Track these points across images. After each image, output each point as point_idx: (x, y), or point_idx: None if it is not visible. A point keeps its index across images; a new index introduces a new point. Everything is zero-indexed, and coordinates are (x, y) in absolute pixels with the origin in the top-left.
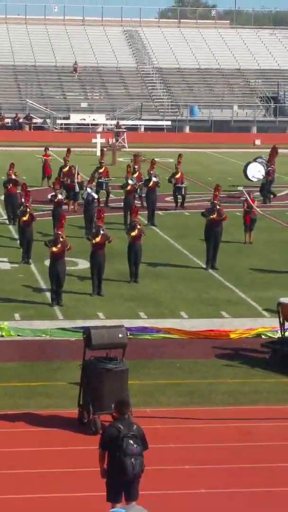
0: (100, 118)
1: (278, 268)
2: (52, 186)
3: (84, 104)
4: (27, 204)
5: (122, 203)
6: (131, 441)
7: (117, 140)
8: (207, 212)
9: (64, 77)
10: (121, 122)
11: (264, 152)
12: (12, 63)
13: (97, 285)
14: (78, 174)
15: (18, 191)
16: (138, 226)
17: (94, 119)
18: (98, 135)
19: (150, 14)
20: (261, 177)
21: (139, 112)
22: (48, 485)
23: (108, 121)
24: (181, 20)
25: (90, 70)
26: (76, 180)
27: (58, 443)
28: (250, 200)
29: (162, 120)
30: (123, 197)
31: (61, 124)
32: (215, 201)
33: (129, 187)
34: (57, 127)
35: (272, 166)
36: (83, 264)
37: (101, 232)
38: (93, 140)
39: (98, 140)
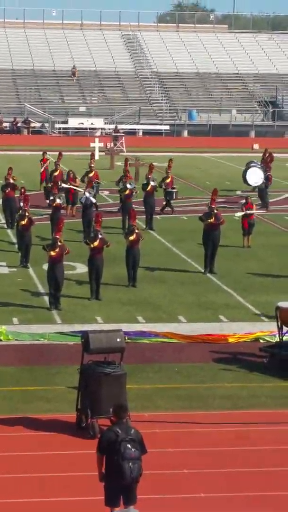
0: (98, 122)
1: (276, 272)
2: (46, 189)
3: (82, 108)
4: (26, 208)
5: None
6: (129, 445)
7: (115, 145)
8: (205, 216)
9: (63, 81)
10: (120, 126)
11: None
12: (10, 67)
13: (95, 289)
14: (75, 178)
15: (16, 195)
16: (136, 231)
17: (92, 123)
18: (96, 139)
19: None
20: (261, 182)
21: (138, 116)
22: (46, 489)
23: (107, 125)
24: (180, 25)
25: (89, 74)
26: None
27: (57, 447)
28: (248, 205)
29: (160, 124)
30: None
31: (59, 128)
32: (213, 205)
33: (127, 191)
34: (55, 131)
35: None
36: (81, 268)
37: (99, 236)
38: (91, 144)
39: (96, 144)
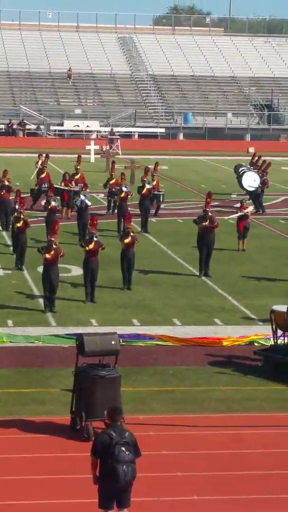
0: (94, 125)
1: (271, 276)
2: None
3: (78, 111)
4: (21, 211)
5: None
6: (123, 448)
7: (111, 147)
8: (199, 219)
9: (58, 84)
10: (115, 129)
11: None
12: (6, 69)
13: (90, 292)
14: (72, 181)
15: (11, 198)
16: (132, 233)
17: (88, 126)
18: (92, 142)
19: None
20: (257, 186)
21: (133, 119)
22: (40, 492)
23: (102, 128)
24: (176, 27)
25: (84, 77)
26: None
27: (51, 450)
28: (243, 208)
29: (156, 127)
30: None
31: (55, 130)
32: (207, 208)
33: (123, 194)
34: (50, 134)
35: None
36: (76, 271)
37: (95, 239)
38: (87, 147)
39: (92, 147)
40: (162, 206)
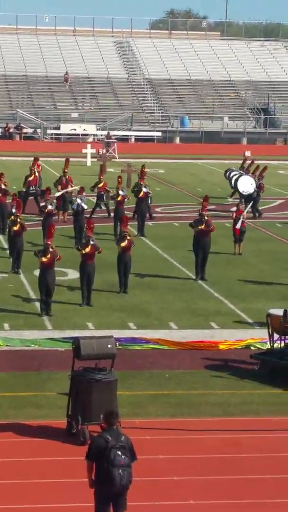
0: (90, 129)
1: (268, 279)
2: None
3: (74, 114)
4: (18, 214)
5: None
6: (119, 452)
7: (107, 151)
8: (195, 223)
9: (55, 87)
10: (112, 133)
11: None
12: (3, 72)
13: (87, 296)
14: (69, 184)
15: (8, 201)
16: (128, 237)
17: (84, 130)
18: (89, 146)
19: (141, 25)
20: (253, 191)
21: (130, 123)
22: (36, 496)
23: (99, 131)
24: (172, 31)
25: (81, 81)
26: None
27: (47, 453)
28: (239, 211)
29: (152, 131)
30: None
31: (52, 134)
32: (204, 212)
33: (119, 198)
34: (47, 137)
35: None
36: (73, 274)
37: (91, 242)
38: (84, 151)
39: (89, 151)
40: (157, 209)
